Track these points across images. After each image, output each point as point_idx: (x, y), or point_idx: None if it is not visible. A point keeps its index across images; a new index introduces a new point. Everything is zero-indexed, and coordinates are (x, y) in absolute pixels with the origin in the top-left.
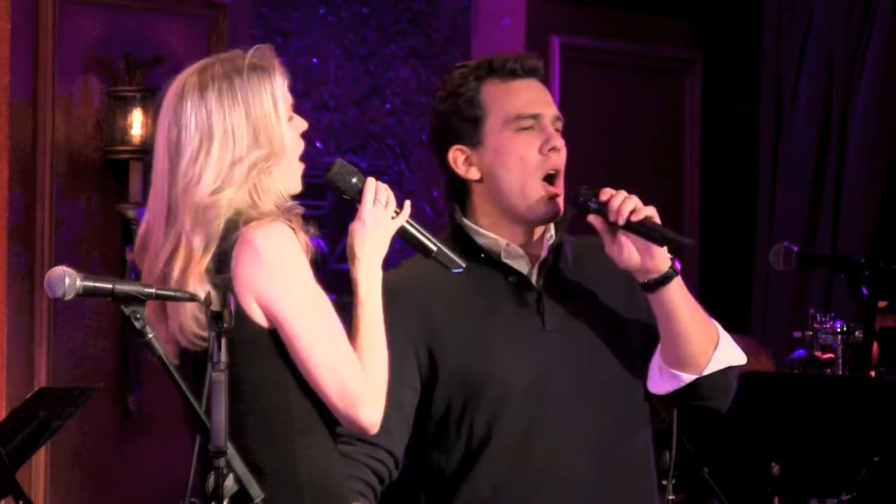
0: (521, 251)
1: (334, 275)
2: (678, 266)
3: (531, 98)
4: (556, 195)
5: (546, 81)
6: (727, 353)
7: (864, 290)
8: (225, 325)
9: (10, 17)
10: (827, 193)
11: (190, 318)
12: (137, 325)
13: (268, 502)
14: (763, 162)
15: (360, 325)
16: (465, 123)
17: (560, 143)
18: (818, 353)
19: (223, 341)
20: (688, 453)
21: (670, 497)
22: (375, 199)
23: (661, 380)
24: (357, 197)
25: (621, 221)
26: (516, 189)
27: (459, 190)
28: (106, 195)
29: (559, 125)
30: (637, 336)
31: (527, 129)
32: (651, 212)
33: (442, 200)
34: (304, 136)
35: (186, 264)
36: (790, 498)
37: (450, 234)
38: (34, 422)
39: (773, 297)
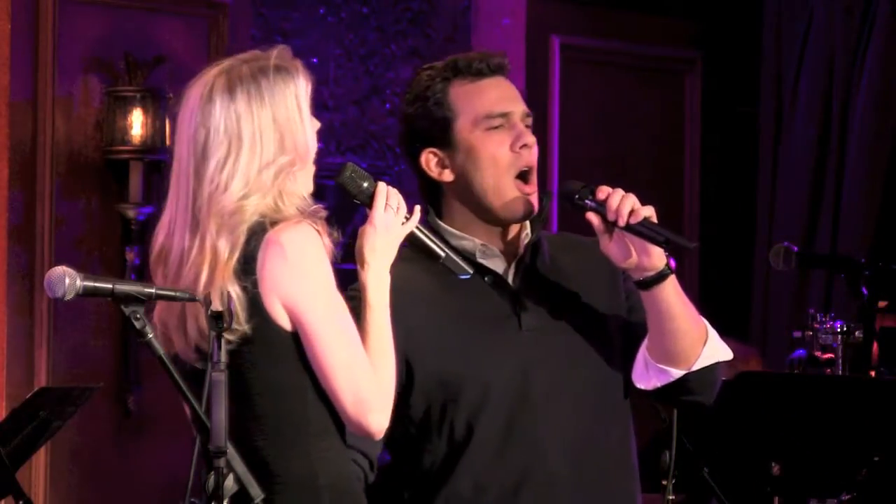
0: (496, 251)
1: (336, 274)
2: (673, 264)
3: (499, 96)
4: (530, 193)
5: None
6: (715, 348)
7: (864, 290)
8: (225, 325)
9: (10, 17)
10: (827, 193)
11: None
12: (137, 325)
13: None
14: (763, 162)
15: (369, 329)
16: (435, 126)
17: (531, 139)
18: (818, 353)
19: (223, 341)
20: (688, 453)
21: (670, 497)
22: (387, 204)
23: (649, 375)
24: (368, 201)
25: (622, 223)
26: (490, 188)
27: (432, 192)
28: (106, 195)
29: (529, 121)
30: (617, 333)
31: (497, 127)
32: (649, 211)
33: None
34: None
35: (213, 268)
36: (790, 498)
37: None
38: (34, 422)
39: (773, 297)
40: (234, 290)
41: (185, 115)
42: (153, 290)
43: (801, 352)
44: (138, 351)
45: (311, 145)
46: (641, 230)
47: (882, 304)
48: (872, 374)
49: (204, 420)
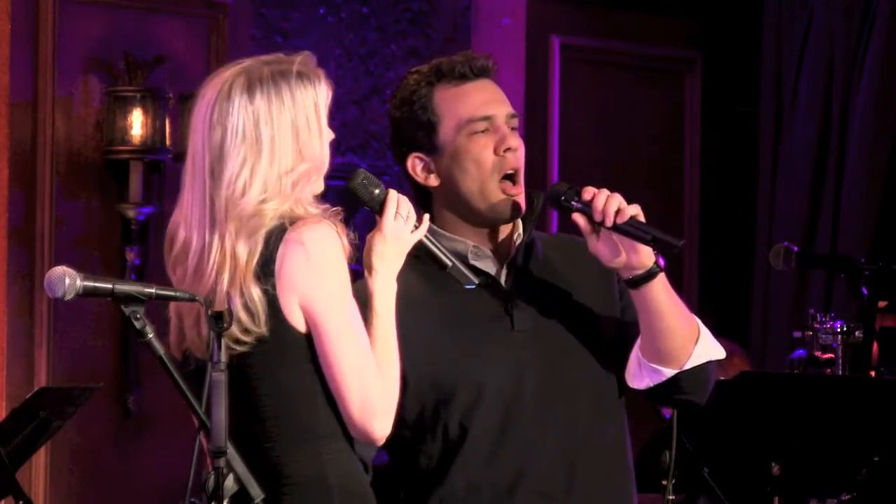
0: (488, 252)
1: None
2: (662, 262)
3: (483, 100)
4: (516, 194)
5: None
6: (707, 347)
7: (864, 290)
8: (225, 326)
9: (10, 17)
10: (827, 193)
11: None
12: (137, 325)
13: None
14: (763, 162)
15: (375, 335)
16: (420, 131)
17: (515, 142)
18: (818, 353)
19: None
20: (688, 453)
21: (670, 497)
22: (397, 212)
23: (641, 374)
24: (378, 208)
25: (608, 223)
26: (476, 192)
27: (421, 196)
28: (106, 195)
29: (515, 123)
30: (610, 332)
31: (481, 132)
32: (635, 210)
33: None
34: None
35: (234, 272)
36: (790, 498)
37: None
38: (34, 422)
39: (773, 297)
40: (256, 293)
41: (200, 111)
42: (153, 290)
43: (801, 352)
44: (138, 351)
45: (326, 155)
46: (628, 229)
47: (882, 304)
48: (872, 374)
49: (204, 420)
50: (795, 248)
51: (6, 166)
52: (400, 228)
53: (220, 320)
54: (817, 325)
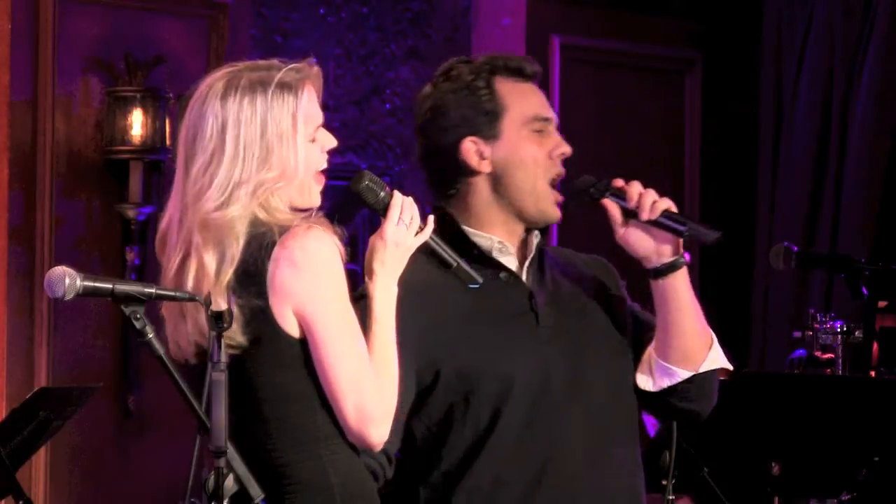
0: (512, 249)
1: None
2: (687, 257)
3: (543, 102)
4: (560, 201)
5: (544, 81)
6: (719, 354)
7: (864, 290)
8: (225, 326)
9: (10, 17)
10: (827, 193)
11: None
12: (137, 325)
13: None
14: (763, 162)
15: (374, 340)
16: (482, 116)
17: (568, 150)
18: (818, 353)
19: (222, 342)
20: (688, 453)
21: (670, 497)
22: (400, 217)
23: (654, 375)
24: (383, 211)
25: (645, 216)
26: (528, 188)
27: (456, 180)
28: (106, 195)
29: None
30: (624, 335)
31: (540, 131)
32: (668, 203)
33: None
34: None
35: (199, 278)
36: (790, 498)
37: (437, 228)
38: (34, 422)
39: (773, 297)
40: (225, 306)
41: (186, 110)
42: (153, 290)
43: (801, 352)
44: (138, 351)
45: (306, 163)
46: (664, 222)
47: (882, 304)
48: (872, 374)
49: (203, 420)
50: (795, 248)
51: (6, 166)
52: (401, 234)
53: (220, 320)
54: (817, 325)
